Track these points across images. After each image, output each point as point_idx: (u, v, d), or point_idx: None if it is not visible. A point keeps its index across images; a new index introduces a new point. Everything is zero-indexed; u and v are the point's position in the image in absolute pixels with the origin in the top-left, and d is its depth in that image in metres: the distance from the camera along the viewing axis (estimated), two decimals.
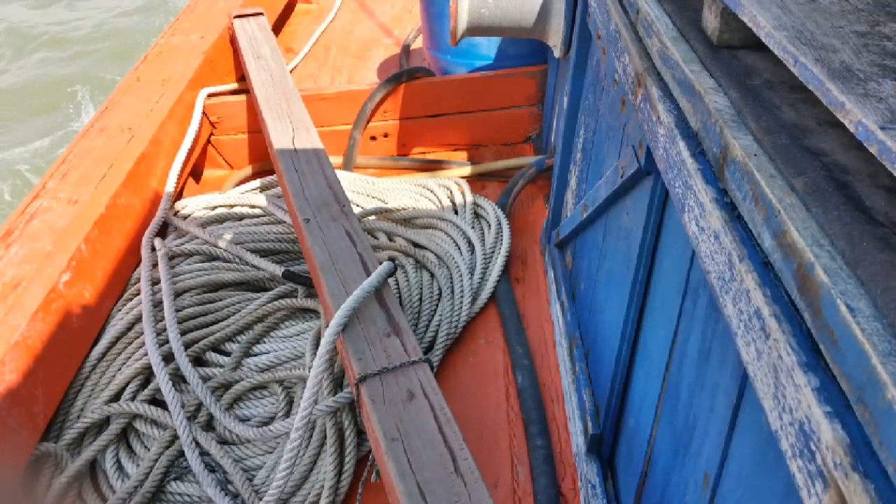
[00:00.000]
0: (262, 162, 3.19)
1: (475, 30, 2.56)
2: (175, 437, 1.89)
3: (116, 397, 2.00)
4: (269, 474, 1.82)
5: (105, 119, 2.73)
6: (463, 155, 3.22)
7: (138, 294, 2.29)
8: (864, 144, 0.74)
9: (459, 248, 2.50)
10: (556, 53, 2.49)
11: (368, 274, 1.85)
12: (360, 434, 1.89)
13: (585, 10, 1.99)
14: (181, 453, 1.88)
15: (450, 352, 2.22)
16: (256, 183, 2.86)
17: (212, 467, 1.84)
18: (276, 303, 2.23)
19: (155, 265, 2.37)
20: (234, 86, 3.24)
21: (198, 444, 1.86)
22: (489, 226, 2.63)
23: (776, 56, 0.96)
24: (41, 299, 1.92)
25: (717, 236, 0.90)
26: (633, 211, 1.46)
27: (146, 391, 1.99)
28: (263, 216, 2.65)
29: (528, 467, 1.86)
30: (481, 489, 1.34)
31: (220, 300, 2.30)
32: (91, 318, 2.12)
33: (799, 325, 0.73)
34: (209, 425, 1.96)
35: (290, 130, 2.55)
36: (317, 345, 2.07)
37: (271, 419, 1.96)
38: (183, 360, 2.01)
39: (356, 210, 2.68)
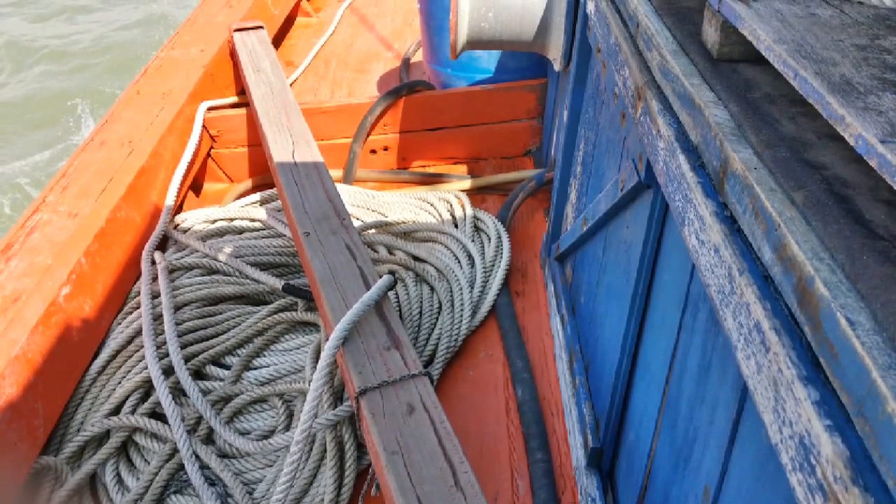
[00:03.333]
0: (262, 175, 3.19)
1: (475, 43, 2.57)
2: (175, 451, 1.89)
3: (116, 411, 2.00)
4: (269, 488, 1.82)
5: (105, 132, 2.73)
6: (463, 168, 3.23)
7: (138, 307, 2.29)
8: (864, 158, 0.75)
9: (459, 262, 2.50)
10: (556, 67, 2.50)
11: (368, 287, 1.85)
12: (360, 447, 1.88)
13: (585, 24, 2.00)
14: (181, 467, 1.87)
15: (450, 365, 2.21)
16: (256, 196, 2.86)
17: (212, 481, 1.83)
18: (276, 316, 2.23)
19: (155, 278, 2.37)
20: (234, 99, 3.25)
21: (198, 457, 1.86)
22: (489, 239, 2.63)
23: (776, 69, 0.96)
24: (41, 313, 1.92)
25: (716, 250, 0.90)
26: (633, 224, 1.47)
27: (146, 404, 1.99)
28: (263, 229, 2.65)
29: (528, 481, 1.86)
30: (481, 503, 1.33)
31: (220, 313, 2.30)
32: (91, 331, 2.11)
33: (799, 338, 0.73)
34: (209, 439, 1.95)
35: (290, 144, 2.56)
36: (317, 358, 2.07)
37: (271, 432, 1.96)
38: (183, 374, 2.01)
39: (356, 223, 2.68)
